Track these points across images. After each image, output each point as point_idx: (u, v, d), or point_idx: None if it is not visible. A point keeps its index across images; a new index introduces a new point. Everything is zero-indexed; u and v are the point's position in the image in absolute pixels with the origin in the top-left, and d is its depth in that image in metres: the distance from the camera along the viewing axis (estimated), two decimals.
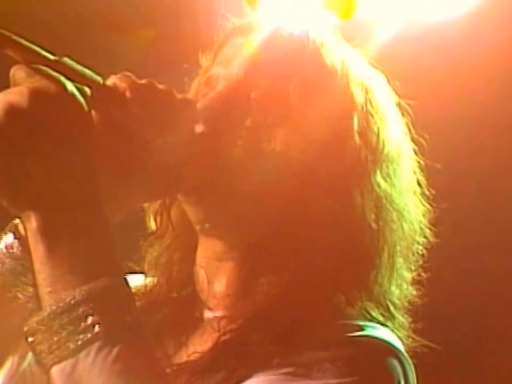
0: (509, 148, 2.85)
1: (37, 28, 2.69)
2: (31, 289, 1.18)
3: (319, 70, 1.31)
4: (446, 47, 2.70)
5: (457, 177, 2.59)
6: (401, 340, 1.27)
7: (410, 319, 1.34)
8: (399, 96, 1.42)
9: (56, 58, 1.08)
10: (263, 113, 1.28)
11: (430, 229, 1.38)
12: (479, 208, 2.85)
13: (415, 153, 1.40)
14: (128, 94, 1.14)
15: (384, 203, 1.29)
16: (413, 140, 1.41)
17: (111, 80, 1.16)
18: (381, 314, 1.25)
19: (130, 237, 1.29)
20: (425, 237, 1.37)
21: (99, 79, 1.13)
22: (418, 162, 1.40)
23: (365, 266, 1.25)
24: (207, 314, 1.30)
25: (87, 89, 1.08)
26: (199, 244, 1.33)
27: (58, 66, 1.06)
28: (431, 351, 1.37)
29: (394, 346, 1.19)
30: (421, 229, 1.36)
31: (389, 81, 1.43)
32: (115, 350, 0.97)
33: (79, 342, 0.98)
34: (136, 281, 1.38)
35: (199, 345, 1.25)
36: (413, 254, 1.35)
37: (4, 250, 1.20)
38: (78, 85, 1.06)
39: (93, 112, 1.07)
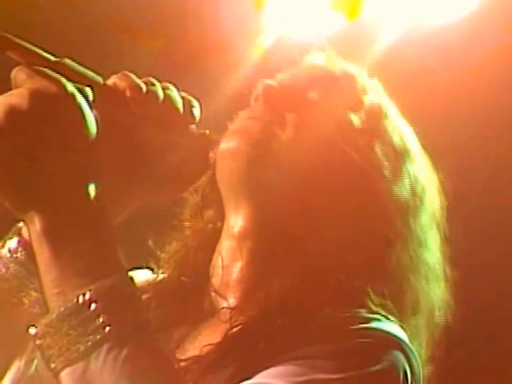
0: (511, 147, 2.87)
1: (48, 33, 2.73)
2: (35, 294, 1.18)
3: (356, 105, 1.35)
4: (448, 49, 2.72)
5: (461, 176, 2.61)
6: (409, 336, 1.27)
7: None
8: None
9: (57, 59, 1.08)
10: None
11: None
12: (483, 207, 2.87)
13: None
14: (128, 93, 1.15)
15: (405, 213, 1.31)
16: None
17: (111, 80, 1.17)
18: (390, 308, 1.25)
19: (136, 233, 1.30)
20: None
21: (100, 79, 1.14)
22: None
23: (380, 258, 1.26)
24: (218, 303, 1.29)
25: (88, 90, 1.08)
26: (223, 232, 1.33)
27: (59, 67, 1.06)
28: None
29: (399, 339, 1.19)
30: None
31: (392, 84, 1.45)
32: (125, 350, 0.97)
33: (89, 343, 0.97)
34: (142, 276, 1.39)
35: (207, 336, 1.24)
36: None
37: (8, 255, 1.19)
38: (79, 86, 1.06)
39: (94, 112, 1.06)
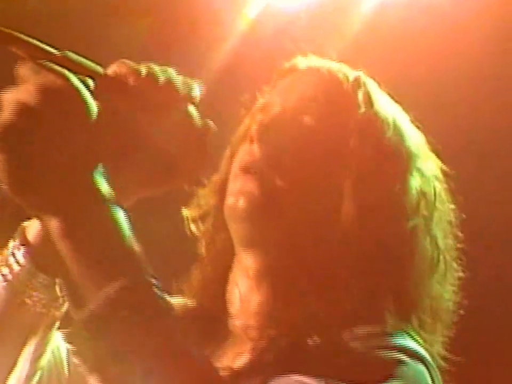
0: (504, 104, 2.87)
1: (34, 16, 2.74)
2: (37, 294, 1.19)
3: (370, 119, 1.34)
4: (434, 9, 2.72)
5: (451, 136, 2.62)
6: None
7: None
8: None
9: (59, 52, 1.08)
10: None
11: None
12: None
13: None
14: (127, 79, 1.14)
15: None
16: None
17: (111, 69, 1.16)
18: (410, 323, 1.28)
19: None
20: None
21: (100, 69, 1.14)
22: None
23: (401, 278, 1.28)
24: (239, 325, 1.32)
25: (89, 81, 1.08)
26: (236, 262, 1.36)
27: (61, 60, 1.06)
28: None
29: (421, 354, 1.21)
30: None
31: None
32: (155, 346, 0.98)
33: (120, 341, 0.97)
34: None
35: (234, 353, 1.27)
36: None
37: (11, 256, 1.20)
38: (81, 77, 1.06)
39: (96, 102, 1.06)
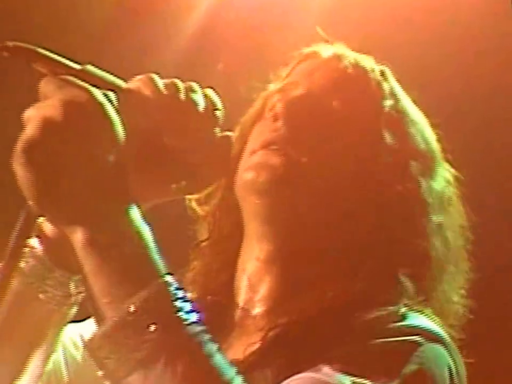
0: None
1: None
2: (51, 290, 1.21)
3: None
4: None
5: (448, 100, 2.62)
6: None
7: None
8: None
9: (81, 67, 1.09)
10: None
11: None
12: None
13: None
14: (150, 98, 1.17)
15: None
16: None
17: (135, 84, 1.19)
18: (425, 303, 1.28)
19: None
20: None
21: (121, 83, 1.15)
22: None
23: (418, 263, 1.29)
24: (246, 316, 1.32)
25: (112, 95, 1.08)
26: (245, 246, 1.35)
27: (82, 75, 1.07)
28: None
29: (439, 334, 1.21)
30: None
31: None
32: (180, 359, 0.98)
33: (145, 352, 0.98)
34: None
35: (242, 346, 1.26)
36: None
37: (28, 250, 1.21)
38: (103, 91, 1.06)
39: (119, 116, 1.06)
